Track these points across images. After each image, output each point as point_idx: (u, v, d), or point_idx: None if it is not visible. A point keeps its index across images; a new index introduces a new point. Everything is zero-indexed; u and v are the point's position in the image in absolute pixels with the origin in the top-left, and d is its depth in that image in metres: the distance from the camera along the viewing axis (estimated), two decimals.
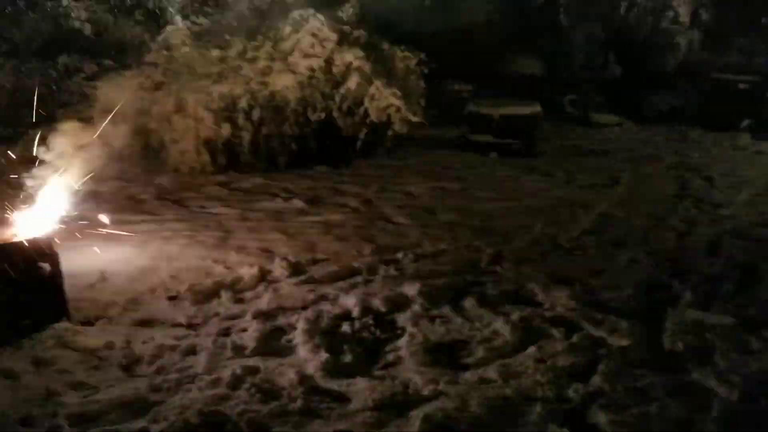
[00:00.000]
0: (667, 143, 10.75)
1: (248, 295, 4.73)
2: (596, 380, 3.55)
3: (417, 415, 3.22)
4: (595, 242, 5.80)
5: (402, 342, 4.01)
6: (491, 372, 3.65)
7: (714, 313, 4.35)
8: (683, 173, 8.43)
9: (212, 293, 4.70)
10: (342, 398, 3.42)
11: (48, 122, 8.88)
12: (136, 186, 7.52)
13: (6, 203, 4.28)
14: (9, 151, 8.33)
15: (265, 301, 4.57)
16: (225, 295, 4.64)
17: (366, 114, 8.20)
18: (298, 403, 3.32)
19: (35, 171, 4.45)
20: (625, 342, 3.97)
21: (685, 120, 11.83)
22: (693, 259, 5.39)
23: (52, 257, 4.06)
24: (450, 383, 3.53)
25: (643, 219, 6.44)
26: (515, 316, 4.25)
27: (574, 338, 3.97)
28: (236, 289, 4.80)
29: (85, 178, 4.45)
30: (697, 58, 12.60)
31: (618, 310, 4.38)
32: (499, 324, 4.16)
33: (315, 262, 5.34)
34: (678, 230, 6.13)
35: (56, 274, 4.10)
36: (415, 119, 7.95)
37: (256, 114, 8.26)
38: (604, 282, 4.89)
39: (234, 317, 4.38)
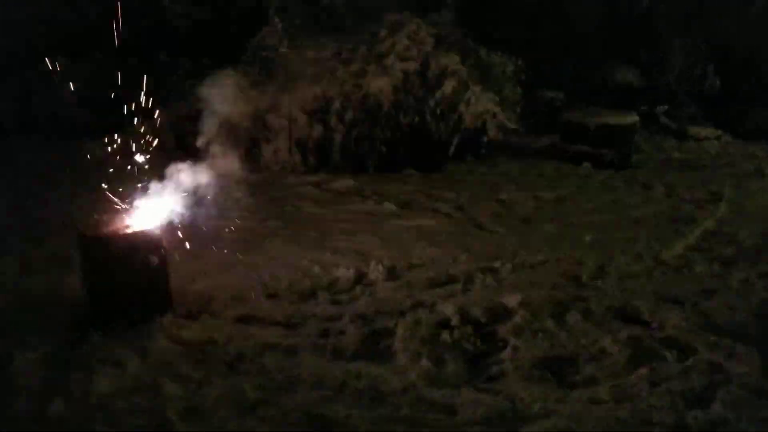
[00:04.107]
0: None
1: (345, 297, 4.71)
2: (717, 408, 3.34)
3: None
4: (702, 260, 5.52)
5: (505, 355, 3.89)
6: (602, 392, 3.50)
7: None
8: None
9: (310, 293, 4.70)
10: (448, 410, 3.33)
11: (148, 118, 9.20)
12: (230, 183, 7.60)
13: (120, 196, 4.38)
14: (114, 146, 8.63)
15: (362, 305, 4.54)
16: (322, 296, 4.64)
17: (460, 119, 8.09)
18: (404, 411, 3.25)
19: (144, 166, 4.54)
20: (744, 368, 3.73)
21: None
22: None
23: (161, 250, 4.12)
24: (559, 401, 3.40)
25: (753, 238, 6.10)
26: (623, 334, 4.07)
27: (690, 361, 3.76)
28: (333, 290, 4.79)
29: (198, 176, 4.50)
30: None
31: (734, 334, 4.14)
32: (607, 342, 3.99)
33: (411, 267, 5.27)
34: None
35: (163, 267, 4.16)
36: (511, 126, 7.79)
37: (348, 116, 8.28)
38: (717, 303, 4.63)
39: (332, 319, 4.35)
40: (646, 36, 12.10)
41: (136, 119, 9.29)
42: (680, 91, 12.27)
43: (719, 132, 11.66)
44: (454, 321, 4.29)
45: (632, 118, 9.22)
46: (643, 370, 3.69)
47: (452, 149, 8.26)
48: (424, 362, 3.72)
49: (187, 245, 4.75)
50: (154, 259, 4.06)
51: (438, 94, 8.04)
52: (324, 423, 3.16)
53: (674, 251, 5.70)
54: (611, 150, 8.99)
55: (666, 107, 12.21)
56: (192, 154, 5.80)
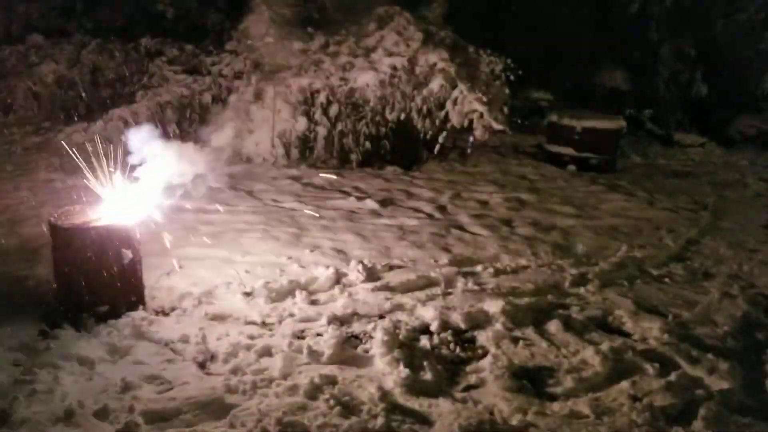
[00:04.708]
0: (753, 169, 10.25)
1: (323, 297, 4.60)
2: (698, 425, 3.29)
3: None
4: (683, 270, 5.47)
5: (484, 363, 3.81)
6: (582, 405, 3.43)
7: None
8: None
9: (287, 292, 4.57)
10: (424, 420, 3.24)
11: (128, 103, 9.01)
12: (209, 174, 7.45)
13: (94, 184, 4.23)
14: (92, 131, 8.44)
15: (340, 306, 4.43)
16: (299, 296, 4.52)
17: (446, 117, 7.98)
18: (379, 421, 3.16)
19: (121, 154, 4.39)
20: (726, 385, 3.68)
21: None
22: None
23: (134, 244, 3.98)
24: (539, 414, 3.33)
25: (734, 250, 6.06)
26: (605, 345, 4.00)
27: (672, 377, 3.70)
28: (311, 290, 4.67)
29: (177, 165, 4.36)
30: None
31: (715, 349, 4.09)
32: (589, 353, 3.92)
33: (391, 268, 5.18)
34: None
35: (136, 262, 4.03)
36: (498, 127, 7.68)
37: (333, 110, 8.15)
38: (698, 316, 4.58)
39: (309, 320, 4.25)
40: (637, 38, 12.06)
41: (116, 104, 9.14)
42: (667, 96, 12.25)
43: (704, 139, 11.66)
44: (434, 326, 4.20)
45: (619, 123, 9.16)
46: (624, 384, 3.63)
47: (437, 147, 8.15)
48: (402, 369, 3.62)
49: (161, 239, 4.61)
50: (127, 252, 3.92)
51: (425, 91, 7.92)
52: (296, 431, 3.06)
53: (656, 260, 5.65)
54: (596, 154, 8.94)
55: (652, 112, 12.20)
56: (172, 142, 5.61)
